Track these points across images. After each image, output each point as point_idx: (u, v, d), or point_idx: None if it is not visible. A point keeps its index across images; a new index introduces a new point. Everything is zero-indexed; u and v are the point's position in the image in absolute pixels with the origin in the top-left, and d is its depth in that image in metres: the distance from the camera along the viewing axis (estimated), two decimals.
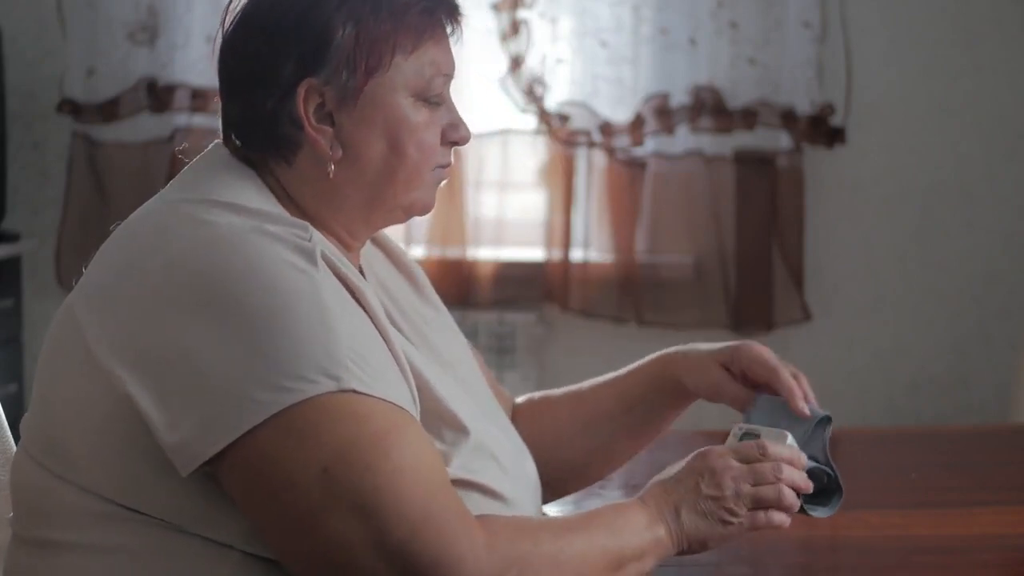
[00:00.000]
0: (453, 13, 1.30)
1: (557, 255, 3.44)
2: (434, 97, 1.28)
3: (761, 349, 1.41)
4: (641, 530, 1.21)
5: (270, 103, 1.23)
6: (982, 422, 3.38)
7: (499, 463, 1.34)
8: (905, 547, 1.37)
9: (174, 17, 3.35)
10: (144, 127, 3.41)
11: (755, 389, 1.38)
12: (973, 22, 3.44)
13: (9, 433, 1.47)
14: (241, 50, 1.25)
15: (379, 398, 1.11)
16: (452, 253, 3.42)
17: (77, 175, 3.43)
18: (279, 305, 1.10)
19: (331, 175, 1.24)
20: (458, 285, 3.38)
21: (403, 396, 1.15)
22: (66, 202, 3.44)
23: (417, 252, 3.37)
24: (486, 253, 3.47)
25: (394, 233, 1.54)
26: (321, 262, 1.14)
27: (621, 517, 1.21)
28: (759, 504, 1.25)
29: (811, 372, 3.88)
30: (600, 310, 3.47)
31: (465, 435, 1.31)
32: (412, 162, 1.27)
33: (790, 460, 1.27)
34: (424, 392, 1.27)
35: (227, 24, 1.27)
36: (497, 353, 3.45)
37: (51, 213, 3.51)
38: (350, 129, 1.25)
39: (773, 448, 1.26)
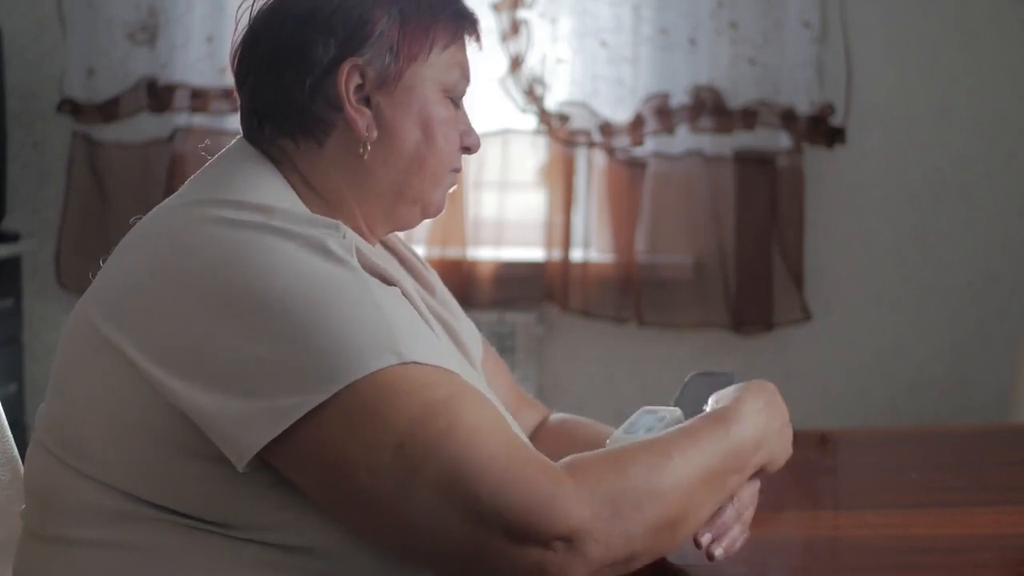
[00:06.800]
0: (476, 24, 1.36)
1: (557, 255, 3.44)
2: (457, 98, 1.33)
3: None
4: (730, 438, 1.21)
5: (309, 82, 1.25)
6: (982, 422, 3.38)
7: None
8: (905, 547, 1.37)
9: (174, 17, 3.35)
10: (144, 127, 3.41)
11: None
12: (973, 22, 3.44)
13: (9, 433, 1.46)
14: (278, 32, 1.26)
15: (438, 367, 1.11)
16: (452, 253, 3.42)
17: (77, 175, 3.43)
18: (327, 296, 1.10)
19: (364, 156, 1.27)
20: (458, 285, 3.37)
21: (452, 363, 1.15)
22: (66, 202, 3.44)
23: (417, 252, 3.36)
24: (486, 253, 3.47)
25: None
26: (355, 256, 1.15)
27: (716, 427, 1.20)
28: (731, 520, 1.25)
29: (811, 372, 3.88)
30: (600, 310, 3.47)
31: None
32: (441, 153, 1.31)
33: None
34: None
35: (254, 10, 1.28)
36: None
37: (51, 213, 3.51)
38: (388, 112, 1.28)
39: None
